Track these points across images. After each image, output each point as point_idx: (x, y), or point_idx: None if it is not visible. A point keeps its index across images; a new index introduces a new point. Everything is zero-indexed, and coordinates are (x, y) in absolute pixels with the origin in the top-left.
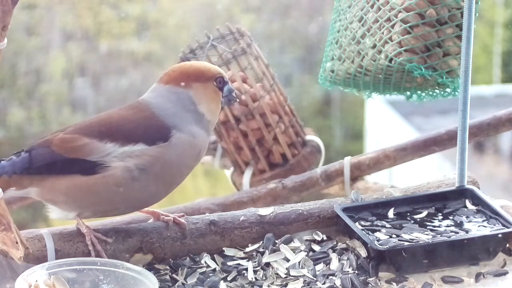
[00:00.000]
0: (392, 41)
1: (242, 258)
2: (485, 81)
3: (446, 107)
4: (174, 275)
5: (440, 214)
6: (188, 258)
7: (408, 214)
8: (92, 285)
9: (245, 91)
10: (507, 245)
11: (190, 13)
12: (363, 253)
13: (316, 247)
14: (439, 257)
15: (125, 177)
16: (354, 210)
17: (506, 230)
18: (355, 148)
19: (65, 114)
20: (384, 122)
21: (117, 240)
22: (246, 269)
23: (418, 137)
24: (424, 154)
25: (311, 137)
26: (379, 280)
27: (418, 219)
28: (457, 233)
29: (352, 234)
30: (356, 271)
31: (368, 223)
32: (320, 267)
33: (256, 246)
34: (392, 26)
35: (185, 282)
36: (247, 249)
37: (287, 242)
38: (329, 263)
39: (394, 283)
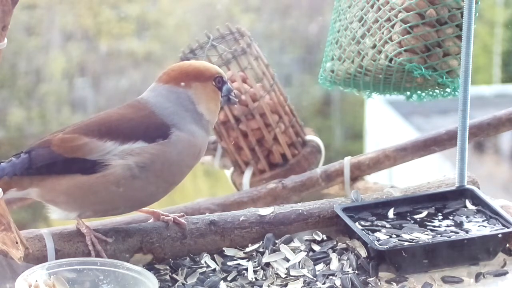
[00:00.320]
0: (392, 41)
1: (242, 258)
2: (485, 81)
3: (446, 107)
4: (174, 275)
5: (440, 214)
6: (188, 258)
7: (408, 214)
8: (92, 285)
9: (245, 91)
10: (507, 245)
11: (190, 13)
12: (363, 253)
13: (316, 247)
14: (439, 257)
15: (126, 175)
16: (354, 210)
17: (506, 230)
18: (355, 148)
19: (65, 114)
20: (384, 122)
21: (117, 240)
22: (246, 269)
23: (418, 137)
24: (424, 154)
25: (311, 137)
26: (379, 280)
27: (418, 219)
28: (457, 233)
29: (352, 234)
30: (356, 271)
31: (368, 223)
32: (320, 267)
33: (256, 246)
34: (392, 26)
35: (185, 282)
36: (247, 249)
37: (287, 242)
38: (329, 263)
39: (394, 283)
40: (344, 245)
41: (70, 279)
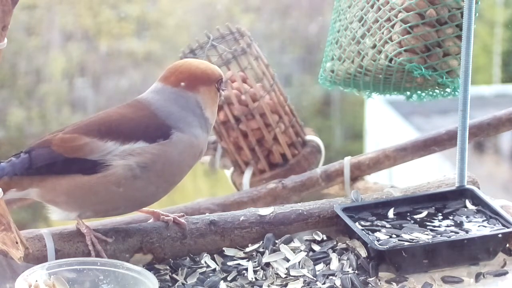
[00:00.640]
0: (392, 41)
1: (242, 258)
2: (485, 81)
3: (446, 107)
4: (174, 275)
5: (440, 214)
6: (188, 258)
7: (408, 214)
8: (92, 285)
9: (245, 91)
10: (507, 245)
11: (190, 13)
12: (363, 253)
13: (316, 247)
14: (439, 257)
15: (127, 175)
16: (354, 210)
17: (506, 230)
18: (355, 148)
19: (65, 114)
20: (384, 122)
21: (117, 240)
22: (246, 269)
23: (418, 137)
24: (424, 154)
25: (311, 137)
26: (379, 280)
27: (418, 219)
28: (457, 233)
29: (352, 234)
30: (356, 271)
31: (368, 223)
32: (320, 267)
33: (256, 246)
34: (392, 26)
35: (185, 282)
36: (247, 249)
37: (287, 242)
38: (329, 263)
39: (394, 283)
40: (344, 245)
41: (70, 279)
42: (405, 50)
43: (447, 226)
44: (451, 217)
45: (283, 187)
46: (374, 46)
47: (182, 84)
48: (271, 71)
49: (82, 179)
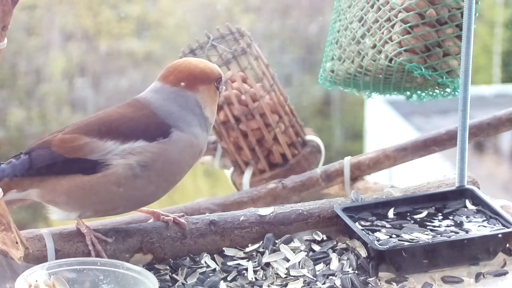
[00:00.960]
0: (392, 41)
1: (242, 258)
2: (485, 81)
3: (446, 107)
4: (174, 275)
5: (440, 214)
6: (188, 258)
7: (408, 214)
8: (92, 285)
9: (245, 91)
10: (507, 245)
11: (190, 13)
12: (363, 253)
13: (316, 247)
14: (439, 257)
15: (127, 175)
16: (354, 210)
17: (506, 230)
18: (355, 148)
19: (65, 114)
20: (384, 122)
21: (117, 240)
22: (246, 269)
23: (418, 137)
24: (424, 154)
25: (311, 137)
26: (379, 280)
27: (418, 219)
28: (457, 233)
29: (352, 234)
30: (356, 271)
31: (368, 223)
32: (320, 267)
33: (256, 246)
34: (392, 26)
35: (185, 282)
36: (247, 249)
37: (287, 242)
38: (329, 263)
39: (394, 283)
40: (344, 245)
41: (70, 279)
42: (405, 50)
43: (447, 226)
44: (451, 217)
45: (283, 187)
46: (374, 46)
47: (182, 83)
48: (271, 71)
49: (82, 179)
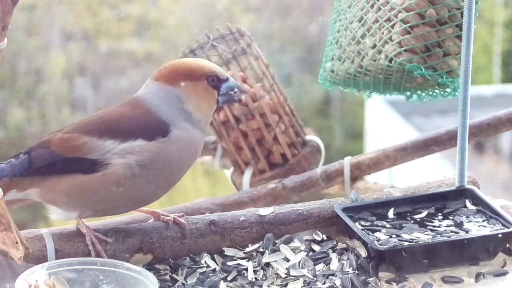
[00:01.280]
0: (392, 41)
1: (242, 258)
2: (485, 81)
3: (446, 107)
4: (174, 275)
5: (440, 214)
6: (188, 258)
7: (408, 214)
8: (92, 285)
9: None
10: (507, 245)
11: (190, 13)
12: (363, 253)
13: (316, 247)
14: (439, 257)
15: (126, 174)
16: (354, 210)
17: (506, 230)
18: (355, 148)
19: (65, 114)
20: (384, 122)
21: (117, 240)
22: (246, 269)
23: (418, 137)
24: (424, 154)
25: (311, 137)
26: (379, 280)
27: (418, 219)
28: (457, 233)
29: (352, 234)
30: (356, 271)
31: (368, 223)
32: (320, 267)
33: (256, 246)
34: (392, 26)
35: (185, 282)
36: (247, 249)
37: (287, 242)
38: (329, 263)
39: (394, 283)
40: (344, 245)
41: (70, 279)
42: (405, 50)
43: (447, 226)
44: (451, 217)
45: (283, 187)
46: (374, 46)
47: (164, 79)
48: (271, 71)
49: (82, 179)
